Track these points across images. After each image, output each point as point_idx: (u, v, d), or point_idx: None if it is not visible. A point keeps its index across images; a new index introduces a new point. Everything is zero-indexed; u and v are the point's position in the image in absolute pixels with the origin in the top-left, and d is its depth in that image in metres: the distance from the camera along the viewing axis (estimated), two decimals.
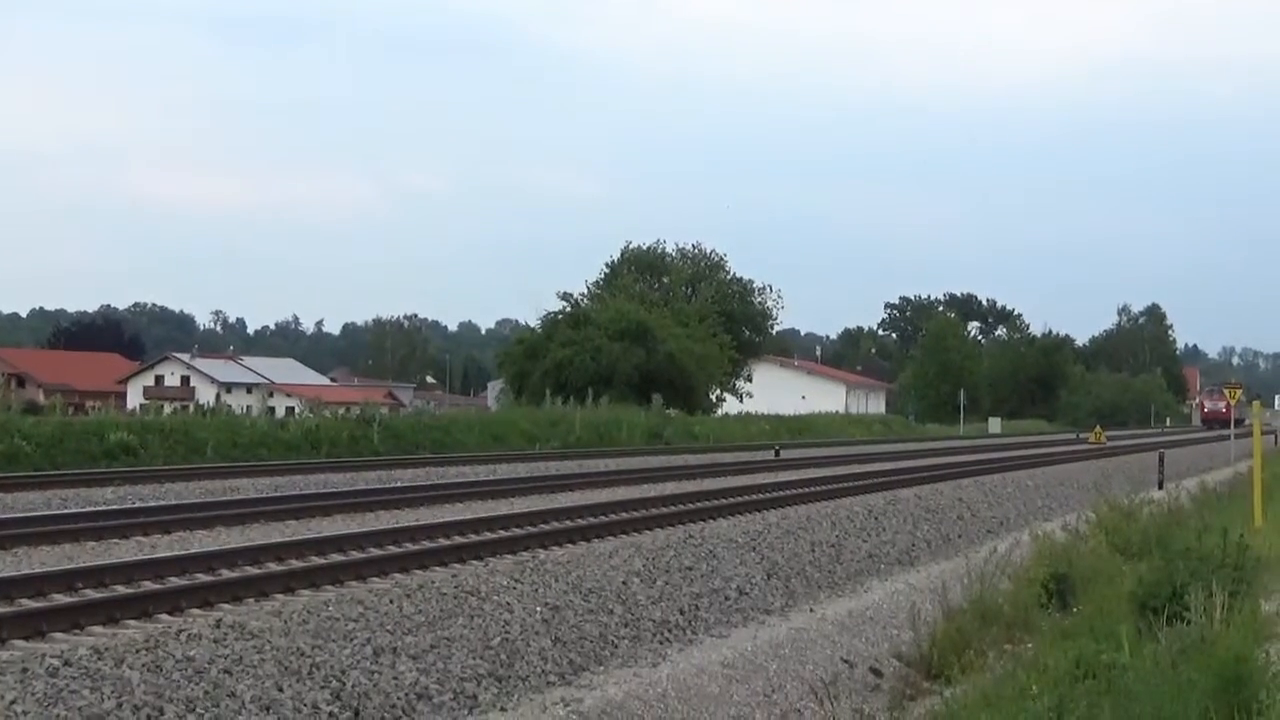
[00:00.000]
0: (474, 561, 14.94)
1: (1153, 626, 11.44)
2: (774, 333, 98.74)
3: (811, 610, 16.51)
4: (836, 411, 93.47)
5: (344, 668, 10.60)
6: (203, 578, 13.20)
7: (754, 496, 23.96)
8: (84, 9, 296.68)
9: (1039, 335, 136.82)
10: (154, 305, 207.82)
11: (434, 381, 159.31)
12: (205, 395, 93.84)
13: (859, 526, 21.81)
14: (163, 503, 21.75)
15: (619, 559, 15.74)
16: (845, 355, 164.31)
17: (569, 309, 69.78)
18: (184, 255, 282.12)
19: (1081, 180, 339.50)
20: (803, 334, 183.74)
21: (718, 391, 78.17)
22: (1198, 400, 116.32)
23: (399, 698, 10.55)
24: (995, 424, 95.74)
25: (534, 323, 70.05)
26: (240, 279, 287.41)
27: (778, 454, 42.96)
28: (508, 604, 13.08)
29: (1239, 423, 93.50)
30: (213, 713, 9.33)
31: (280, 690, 9.93)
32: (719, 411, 75.36)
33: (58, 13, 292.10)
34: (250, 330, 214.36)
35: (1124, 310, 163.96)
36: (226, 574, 13.49)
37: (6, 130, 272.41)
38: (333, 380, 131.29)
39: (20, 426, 30.55)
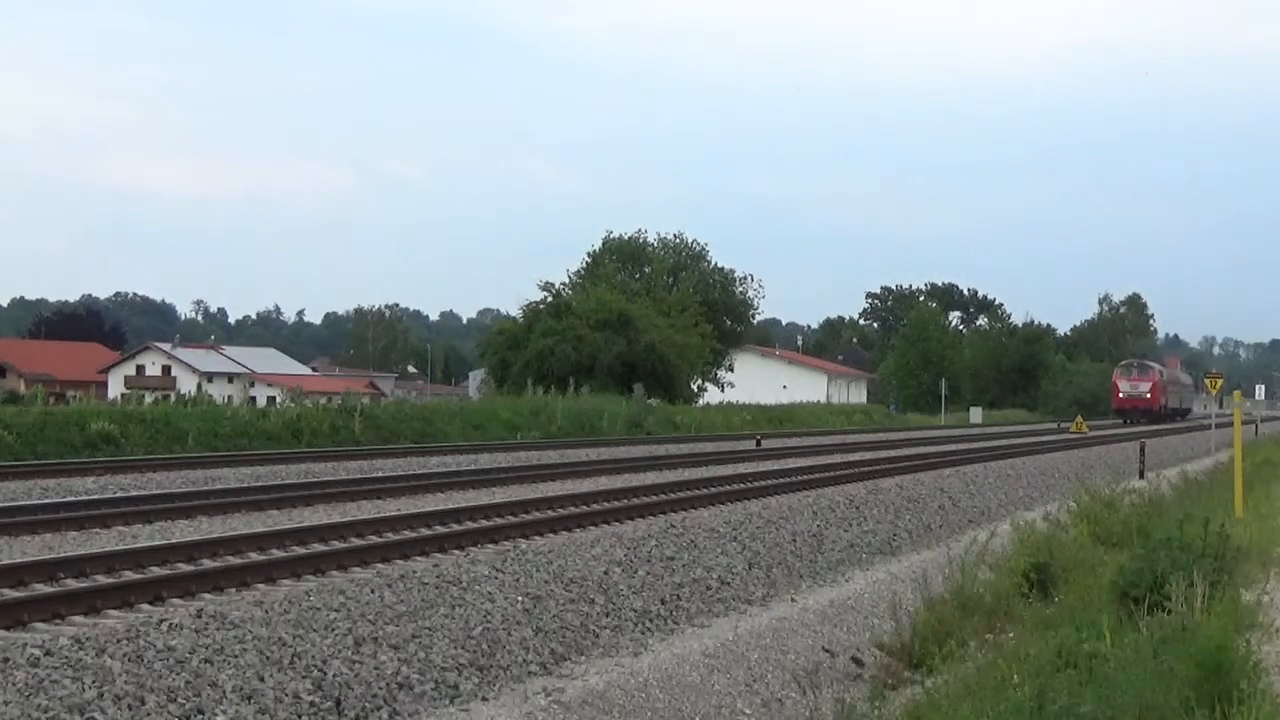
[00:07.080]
0: (455, 551, 14.96)
1: (1134, 616, 11.47)
2: (755, 322, 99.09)
3: (793, 600, 16.52)
4: (818, 401, 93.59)
5: (325, 657, 10.58)
6: (184, 567, 13.20)
7: (735, 486, 24.03)
8: None
9: (1020, 325, 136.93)
10: (135, 295, 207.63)
11: (415, 371, 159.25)
12: (186, 385, 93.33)
13: (840, 516, 21.83)
14: (144, 492, 21.71)
15: (600, 549, 15.74)
16: (826, 345, 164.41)
17: (550, 299, 69.67)
18: (165, 245, 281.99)
19: (1064, 170, 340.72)
20: (784, 324, 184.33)
21: (699, 381, 78.20)
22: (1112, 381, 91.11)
23: (380, 687, 10.53)
24: (976, 414, 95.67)
25: (515, 312, 70.01)
26: (221, 269, 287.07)
27: (759, 444, 42.94)
28: (489, 594, 13.08)
29: (1183, 413, 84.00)
30: (194, 702, 9.30)
31: (262, 680, 9.91)
32: (700, 401, 75.38)
33: None
34: (231, 320, 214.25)
35: (1105, 300, 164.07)
36: (208, 564, 13.49)
37: None
38: (314, 370, 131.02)
39: (1, 416, 30.45)
